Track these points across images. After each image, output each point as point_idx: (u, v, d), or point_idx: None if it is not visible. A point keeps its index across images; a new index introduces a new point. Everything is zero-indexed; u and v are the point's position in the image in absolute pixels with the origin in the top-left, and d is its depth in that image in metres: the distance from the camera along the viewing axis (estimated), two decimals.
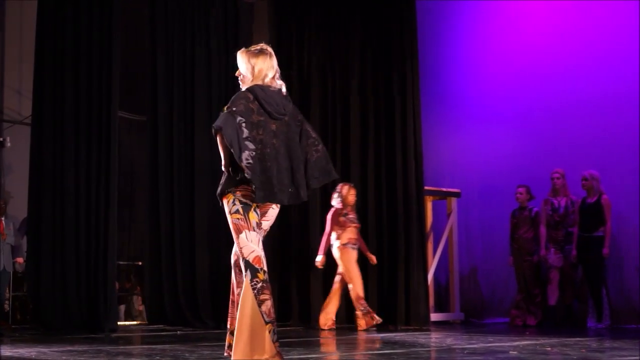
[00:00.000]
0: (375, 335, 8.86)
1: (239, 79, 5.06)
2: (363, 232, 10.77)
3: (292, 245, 11.35)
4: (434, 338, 8.42)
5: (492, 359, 5.78)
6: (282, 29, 11.72)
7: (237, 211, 4.84)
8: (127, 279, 12.96)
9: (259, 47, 5.05)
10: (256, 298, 4.81)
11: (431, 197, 11.52)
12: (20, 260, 11.03)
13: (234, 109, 4.77)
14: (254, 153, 4.70)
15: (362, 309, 9.79)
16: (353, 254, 9.89)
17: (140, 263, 12.57)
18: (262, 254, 4.84)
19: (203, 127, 10.83)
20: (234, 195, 4.85)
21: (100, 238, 9.61)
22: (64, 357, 6.28)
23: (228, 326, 5.22)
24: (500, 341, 7.60)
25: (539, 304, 10.63)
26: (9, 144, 12.19)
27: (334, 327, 9.93)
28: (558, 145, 11.06)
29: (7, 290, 10.96)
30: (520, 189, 10.83)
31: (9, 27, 12.32)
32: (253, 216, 4.86)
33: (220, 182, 4.93)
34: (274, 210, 5.05)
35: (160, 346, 7.36)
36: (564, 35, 11.29)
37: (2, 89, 12.18)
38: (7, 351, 6.91)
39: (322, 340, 8.23)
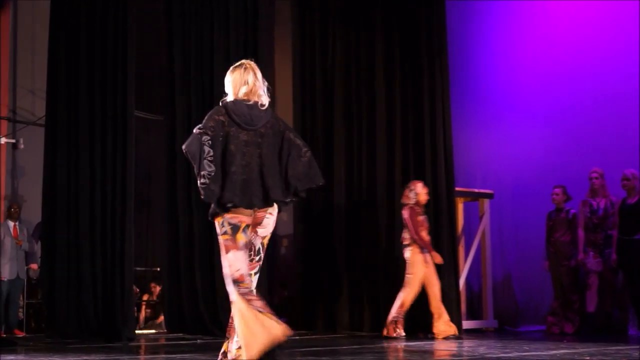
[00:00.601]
0: (404, 343, 8.82)
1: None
2: (391, 236, 10.76)
3: (317, 254, 11.34)
4: (466, 347, 8.37)
5: None
6: (304, 23, 11.73)
7: (225, 232, 5.26)
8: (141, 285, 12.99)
9: (237, 63, 5.56)
10: (245, 301, 5.20)
11: (462, 199, 11.47)
12: (34, 266, 11.11)
13: (200, 128, 5.24)
14: (212, 174, 5.12)
15: (396, 316, 9.73)
16: (422, 258, 9.80)
17: (158, 269, 12.60)
18: (245, 272, 5.28)
19: None
20: (223, 218, 5.25)
21: (117, 243, 9.64)
22: None
23: (227, 335, 5.60)
24: (536, 350, 7.54)
25: (576, 310, 10.54)
26: (22, 146, 12.34)
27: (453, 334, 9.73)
28: (597, 142, 10.97)
29: (21, 298, 11.04)
30: (557, 190, 10.75)
31: (21, 25, 12.42)
32: (241, 237, 5.28)
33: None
34: (268, 219, 5.40)
35: (179, 355, 7.37)
36: (600, 29, 11.20)
37: (15, 89, 12.26)
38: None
39: (347, 349, 8.21)
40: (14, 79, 12.31)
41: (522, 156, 11.79)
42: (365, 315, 10.88)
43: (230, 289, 5.27)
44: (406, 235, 9.87)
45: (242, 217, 5.25)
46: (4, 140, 11.97)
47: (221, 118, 5.29)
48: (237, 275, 5.26)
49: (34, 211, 11.10)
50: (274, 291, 12.82)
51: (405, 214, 9.86)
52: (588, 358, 6.55)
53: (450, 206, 10.60)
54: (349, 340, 9.69)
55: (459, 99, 11.56)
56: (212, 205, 5.23)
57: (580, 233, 10.50)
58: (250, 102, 5.39)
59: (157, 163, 12.60)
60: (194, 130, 5.24)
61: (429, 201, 10.42)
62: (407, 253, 9.83)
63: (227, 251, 5.26)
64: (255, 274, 5.41)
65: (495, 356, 7.03)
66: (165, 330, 10.88)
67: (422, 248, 9.77)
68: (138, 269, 12.42)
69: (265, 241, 5.44)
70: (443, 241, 10.40)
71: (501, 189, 11.70)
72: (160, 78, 11.33)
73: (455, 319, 10.25)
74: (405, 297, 9.77)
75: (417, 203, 9.88)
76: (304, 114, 11.75)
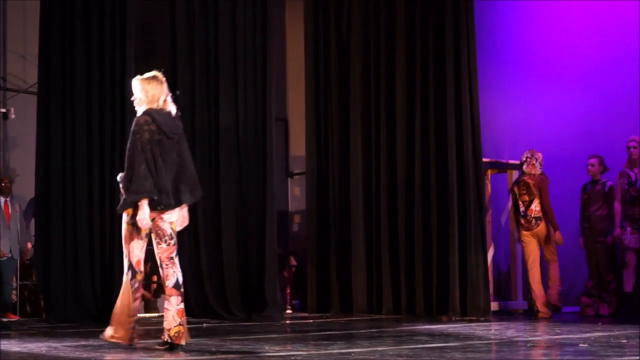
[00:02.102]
0: (427, 326, 8.87)
1: (135, 102, 6.51)
2: (411, 210, 10.79)
3: (330, 230, 11.40)
4: (494, 330, 8.40)
5: (559, 352, 5.77)
6: None
7: (133, 223, 6.35)
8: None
9: (152, 74, 6.57)
10: (132, 295, 6.45)
11: (489, 170, 11.46)
12: (27, 245, 11.17)
13: (141, 142, 6.27)
14: (147, 179, 6.25)
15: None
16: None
17: None
18: (142, 259, 6.45)
19: (229, 98, 10.84)
20: (133, 210, 6.31)
21: (116, 220, 9.68)
22: (77, 353, 6.38)
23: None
24: (569, 333, 7.57)
25: (613, 290, 10.54)
26: (13, 116, 12.37)
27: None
28: (634, 110, 10.92)
29: (14, 280, 11.11)
30: (592, 160, 10.72)
31: None
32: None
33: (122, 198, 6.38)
34: (177, 214, 6.45)
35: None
36: None
37: (5, 54, 12.28)
38: (15, 346, 7.03)
39: (364, 333, 8.26)
40: (4, 42, 12.33)
41: (554, 124, 11.76)
42: (385, 297, 10.93)
43: (127, 271, 6.42)
44: (536, 207, 10.18)
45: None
46: None
47: (152, 127, 6.32)
48: (135, 260, 6.42)
49: (26, 186, 11.15)
50: (286, 269, 12.88)
51: (537, 182, 10.19)
52: (625, 341, 6.57)
53: (478, 179, 10.60)
54: (367, 323, 9.74)
55: (485, 64, 11.52)
56: (123, 200, 6.33)
57: (617, 207, 10.48)
58: (168, 111, 6.48)
59: None
60: (139, 138, 6.26)
61: (452, 173, 10.45)
62: (542, 226, 10.17)
63: (131, 239, 6.39)
64: (176, 256, 6.43)
65: (524, 339, 7.08)
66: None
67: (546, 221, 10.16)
68: None
69: (174, 226, 6.42)
70: (469, 216, 10.41)
71: None
72: (162, 46, 11.33)
73: (483, 299, 10.29)
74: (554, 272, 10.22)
75: (543, 173, 10.25)
76: (317, 82, 11.75)
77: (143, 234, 6.41)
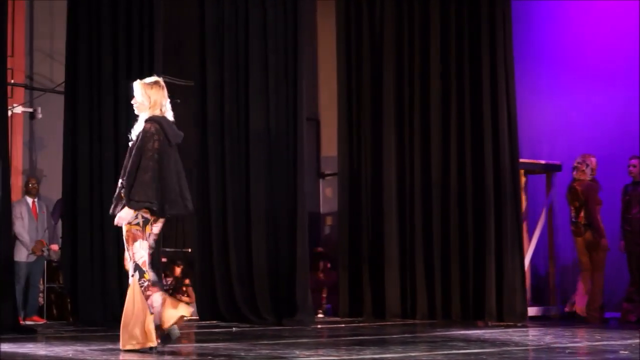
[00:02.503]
0: (462, 331, 8.83)
1: (135, 105, 6.73)
2: (446, 212, 10.75)
3: (362, 233, 11.38)
4: (531, 335, 8.36)
5: (599, 359, 5.72)
6: None
7: (137, 223, 6.58)
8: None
9: (154, 80, 6.77)
10: (143, 293, 6.53)
11: (527, 171, 11.40)
12: (54, 247, 11.23)
13: (151, 150, 6.53)
14: (153, 187, 6.52)
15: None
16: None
17: (189, 250, 12.69)
18: (148, 260, 6.60)
19: (259, 97, 10.85)
20: (138, 211, 6.54)
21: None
22: (104, 357, 6.40)
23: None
24: (609, 339, 7.51)
25: None
26: (40, 115, 12.46)
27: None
28: None
29: (41, 282, 11.18)
30: (634, 161, 10.63)
31: None
32: (148, 229, 6.64)
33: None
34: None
35: (212, 344, 7.45)
36: None
37: (32, 53, 12.37)
38: (41, 350, 7.07)
39: (397, 338, 8.24)
40: (31, 41, 12.40)
41: (593, 124, 11.66)
42: (419, 301, 10.89)
43: (134, 272, 6.57)
44: (584, 214, 10.24)
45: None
46: (20, 109, 12.09)
47: (161, 137, 6.58)
48: (141, 261, 6.57)
49: (54, 187, 11.21)
50: (317, 272, 12.88)
51: (584, 188, 10.22)
52: None
53: (515, 180, 10.54)
54: (400, 328, 9.72)
55: (522, 63, 11.45)
56: (119, 204, 6.56)
57: None
58: (170, 119, 6.75)
59: (187, 133, 12.62)
60: (151, 147, 6.53)
61: (488, 174, 10.40)
62: (589, 234, 10.21)
63: (135, 240, 6.56)
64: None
65: (562, 346, 7.02)
66: (197, 317, 10.98)
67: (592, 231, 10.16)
68: (167, 250, 12.52)
69: (155, 238, 6.75)
70: (506, 219, 10.35)
71: (570, 161, 11.59)
72: (190, 39, 11.35)
73: (520, 304, 10.23)
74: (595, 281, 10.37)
75: (594, 179, 10.23)
76: (349, 81, 11.75)
77: (147, 234, 6.64)
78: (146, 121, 6.62)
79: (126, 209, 6.49)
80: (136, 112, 6.73)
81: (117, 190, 6.65)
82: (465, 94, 10.79)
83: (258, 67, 10.95)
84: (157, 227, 6.74)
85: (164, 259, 12.93)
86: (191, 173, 11.13)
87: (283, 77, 11.01)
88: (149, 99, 6.65)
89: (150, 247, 6.67)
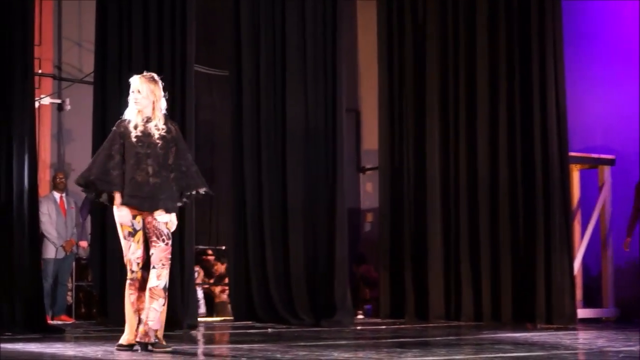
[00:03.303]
0: (510, 334, 8.81)
1: (136, 100, 6.87)
2: (494, 209, 10.71)
3: (405, 230, 11.38)
4: (582, 339, 8.32)
5: None
6: None
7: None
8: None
9: (154, 76, 7.00)
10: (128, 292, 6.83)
11: (578, 166, 11.34)
12: (84, 244, 11.34)
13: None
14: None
15: None
16: None
17: (224, 247, 12.76)
18: (132, 257, 6.83)
19: (296, 88, 10.88)
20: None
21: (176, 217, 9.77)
22: (134, 357, 6.45)
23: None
24: None
25: None
26: (68, 107, 12.57)
27: None
28: None
29: (70, 280, 11.29)
30: None
31: None
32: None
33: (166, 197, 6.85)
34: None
35: (247, 345, 7.49)
36: None
37: (60, 42, 12.47)
38: (70, 350, 7.15)
39: (441, 340, 8.24)
40: (59, 30, 12.50)
41: None
42: (464, 302, 10.88)
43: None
44: None
45: None
46: (48, 100, 12.20)
47: None
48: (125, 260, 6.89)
49: None
50: (356, 271, 12.91)
51: None
52: None
53: (564, 175, 10.49)
54: (444, 330, 9.71)
55: (572, 53, 11.39)
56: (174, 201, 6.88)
57: None
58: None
59: (222, 126, 12.72)
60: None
61: (536, 168, 10.36)
62: None
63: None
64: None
65: (615, 349, 6.99)
66: (232, 318, 11.04)
67: None
68: (200, 247, 12.60)
69: (169, 226, 6.85)
70: (554, 216, 10.31)
71: (624, 154, 11.54)
72: (225, 28, 11.40)
73: (569, 307, 10.19)
74: None
75: None
76: (391, 70, 11.76)
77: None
78: (168, 120, 6.99)
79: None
80: (138, 106, 6.88)
81: (155, 185, 6.77)
82: (515, 86, 10.73)
83: (295, 57, 10.97)
84: (158, 223, 6.83)
85: (210, 257, 13.06)
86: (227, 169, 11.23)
87: (321, 67, 11.03)
88: (155, 96, 6.88)
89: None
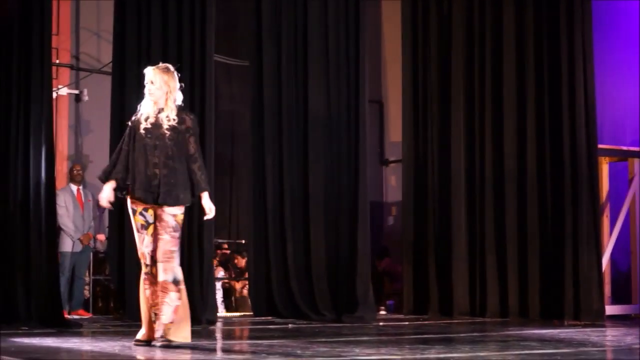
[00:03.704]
0: (536, 330, 8.79)
1: (150, 91, 6.94)
2: (522, 202, 10.67)
3: (429, 224, 11.37)
4: (610, 336, 8.30)
5: None
6: None
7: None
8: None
9: (169, 67, 7.05)
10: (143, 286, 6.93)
11: (607, 158, 11.29)
12: (101, 237, 11.39)
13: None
14: None
15: None
16: None
17: (244, 241, 12.80)
18: (146, 251, 6.89)
19: (318, 79, 10.87)
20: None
21: (194, 211, 9.80)
22: (151, 353, 6.48)
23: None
24: None
25: None
26: (86, 98, 12.63)
27: None
28: None
29: (87, 274, 11.34)
30: None
31: None
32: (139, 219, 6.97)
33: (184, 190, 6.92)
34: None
35: (267, 341, 7.50)
36: None
37: (78, 32, 12.52)
38: (87, 345, 7.19)
39: (465, 337, 8.23)
40: (77, 20, 12.56)
41: None
42: (490, 298, 10.86)
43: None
44: None
45: None
46: (65, 91, 12.26)
47: None
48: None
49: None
50: (379, 266, 12.92)
51: None
52: None
53: (592, 167, 10.44)
54: (468, 326, 9.70)
55: (601, 41, 11.33)
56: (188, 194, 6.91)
57: None
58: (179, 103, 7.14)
59: (241, 116, 12.74)
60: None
61: (565, 161, 10.32)
62: None
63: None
64: (177, 250, 6.87)
65: None
66: (252, 313, 11.06)
67: None
68: (220, 241, 12.63)
69: (178, 219, 6.91)
70: (582, 210, 10.27)
71: None
72: (245, 17, 11.41)
73: (597, 303, 10.15)
74: None
75: None
76: (415, 60, 11.74)
77: (138, 224, 6.94)
78: (186, 112, 7.07)
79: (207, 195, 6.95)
80: (152, 98, 6.95)
81: (162, 177, 6.83)
82: (543, 77, 10.68)
83: (318, 46, 10.97)
84: (167, 215, 6.86)
85: (226, 250, 13.09)
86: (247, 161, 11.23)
87: (344, 57, 11.02)
88: (169, 87, 6.94)
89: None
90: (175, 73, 7.03)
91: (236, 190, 13.83)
